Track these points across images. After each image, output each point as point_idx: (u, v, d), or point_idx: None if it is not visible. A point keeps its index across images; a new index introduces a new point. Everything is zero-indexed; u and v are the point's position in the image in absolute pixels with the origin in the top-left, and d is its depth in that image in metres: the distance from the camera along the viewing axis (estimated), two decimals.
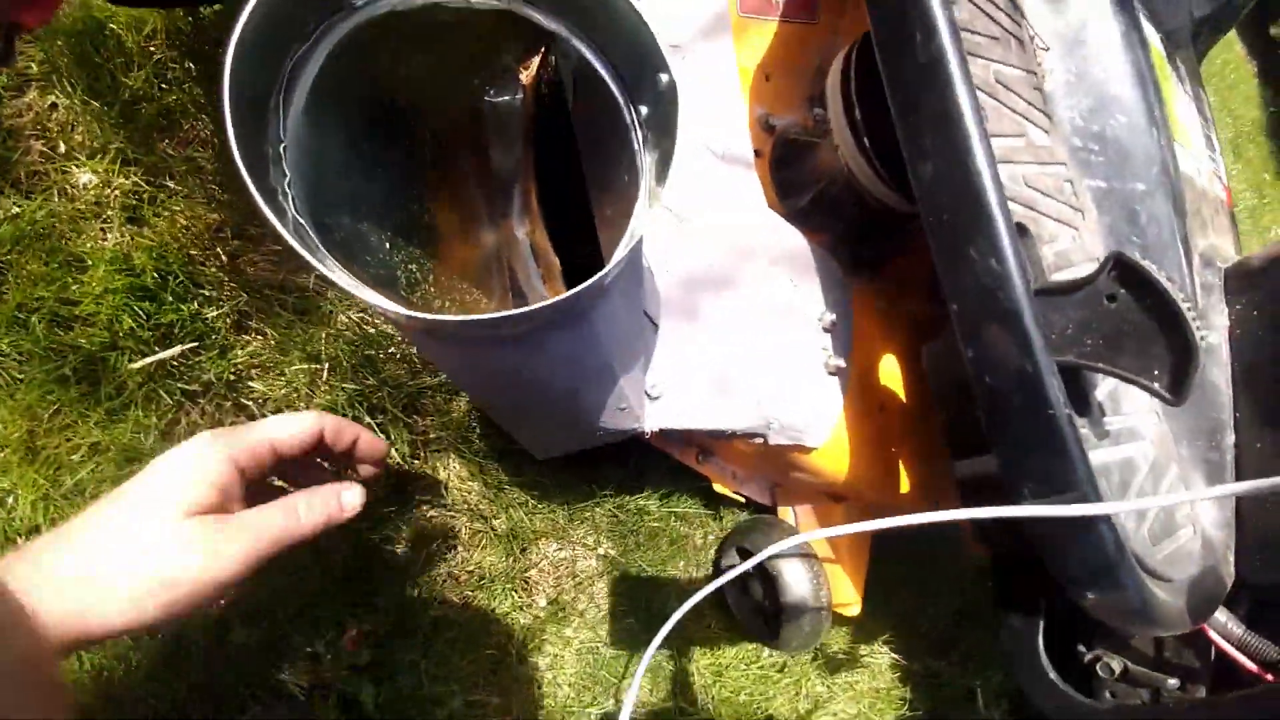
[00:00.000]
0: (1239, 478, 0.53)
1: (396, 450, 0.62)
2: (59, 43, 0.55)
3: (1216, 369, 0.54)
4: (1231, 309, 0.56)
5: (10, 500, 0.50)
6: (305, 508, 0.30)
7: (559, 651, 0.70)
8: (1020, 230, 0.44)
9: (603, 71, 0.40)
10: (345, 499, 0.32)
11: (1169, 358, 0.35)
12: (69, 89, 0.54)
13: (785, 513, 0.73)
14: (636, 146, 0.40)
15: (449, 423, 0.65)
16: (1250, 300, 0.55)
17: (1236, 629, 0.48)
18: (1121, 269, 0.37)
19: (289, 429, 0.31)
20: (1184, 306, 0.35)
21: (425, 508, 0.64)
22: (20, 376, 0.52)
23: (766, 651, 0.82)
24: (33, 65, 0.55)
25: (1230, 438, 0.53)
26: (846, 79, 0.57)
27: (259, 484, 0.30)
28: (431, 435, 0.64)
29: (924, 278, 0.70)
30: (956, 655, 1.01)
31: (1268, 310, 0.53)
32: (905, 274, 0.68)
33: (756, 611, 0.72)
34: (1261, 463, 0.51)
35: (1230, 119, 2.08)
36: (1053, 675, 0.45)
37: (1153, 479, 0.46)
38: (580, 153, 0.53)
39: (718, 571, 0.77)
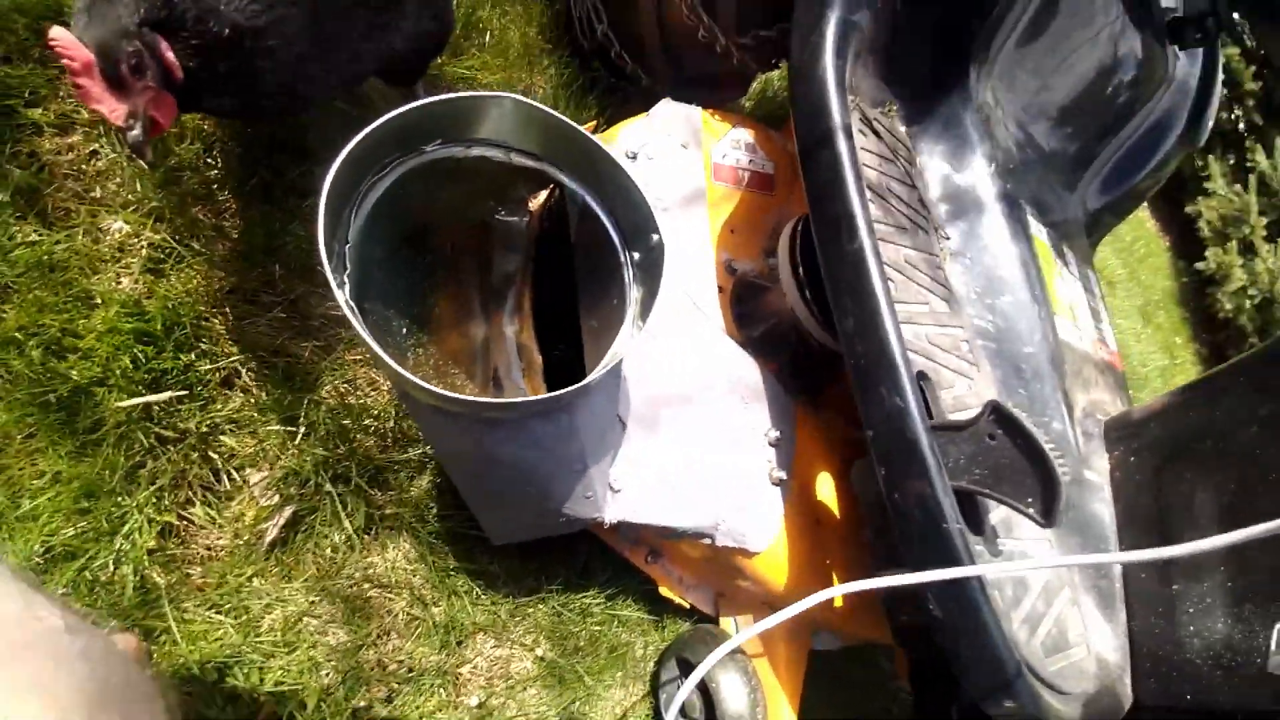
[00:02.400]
0: (1129, 605, 0.60)
1: (351, 523, 0.63)
2: None
3: (1100, 504, 0.63)
4: (1112, 454, 0.66)
5: None
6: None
7: None
8: (921, 376, 0.54)
9: (607, 222, 0.51)
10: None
11: (1039, 488, 0.44)
12: (116, 143, 0.61)
13: (727, 623, 0.74)
14: (627, 280, 0.49)
15: (407, 500, 0.66)
16: (1129, 448, 0.65)
17: None
18: (997, 414, 0.46)
19: None
20: (1047, 447, 0.44)
21: (367, 585, 0.63)
22: (2, 396, 0.52)
23: None
24: (82, 112, 0.61)
25: (1118, 567, 0.60)
26: (794, 244, 0.70)
27: None
28: (389, 511, 0.65)
29: (852, 405, 0.79)
30: None
31: (1144, 456, 0.64)
32: (838, 400, 0.78)
33: None
34: (1148, 591, 0.58)
35: (1140, 288, 2.41)
36: None
37: (1045, 598, 0.52)
38: (576, 272, 0.63)
39: (656, 685, 0.76)
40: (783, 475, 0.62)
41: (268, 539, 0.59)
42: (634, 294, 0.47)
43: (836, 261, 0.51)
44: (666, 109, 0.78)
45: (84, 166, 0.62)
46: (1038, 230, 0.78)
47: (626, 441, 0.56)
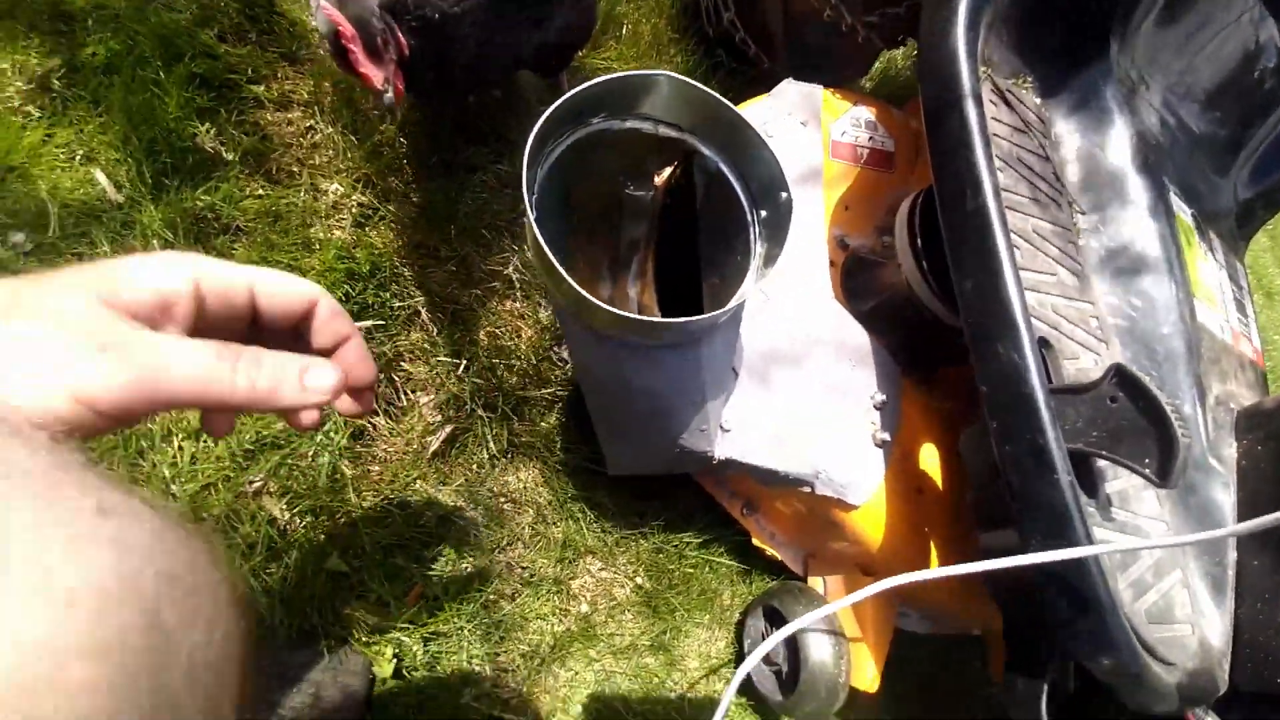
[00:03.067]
0: (1238, 592, 0.57)
1: (495, 445, 0.73)
2: (326, 84, 0.77)
3: (1223, 492, 0.60)
4: (1240, 442, 0.63)
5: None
6: (247, 364, 0.22)
7: (580, 669, 0.74)
8: (1042, 342, 0.55)
9: (737, 185, 0.56)
10: (310, 378, 0.24)
11: (1156, 449, 0.44)
12: (329, 121, 0.75)
13: (815, 582, 0.78)
14: (753, 237, 0.55)
15: (538, 431, 0.76)
16: (1257, 436, 0.62)
17: None
18: (1121, 377, 0.47)
19: (279, 284, 0.25)
20: (1169, 409, 0.44)
21: (503, 499, 0.74)
22: None
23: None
24: (300, 92, 0.76)
25: (1232, 555, 0.58)
26: (912, 216, 0.72)
27: (219, 335, 0.23)
28: (524, 439, 0.75)
29: (966, 387, 0.79)
30: None
31: (1272, 446, 0.60)
32: (952, 382, 0.78)
33: (773, 674, 0.75)
34: (1258, 579, 0.55)
35: None
36: None
37: (1155, 572, 0.52)
38: (700, 235, 0.69)
39: (741, 631, 0.81)
40: (886, 437, 0.64)
41: (430, 450, 0.71)
42: (759, 248, 0.52)
43: (959, 223, 0.53)
44: (788, 88, 0.82)
45: (302, 139, 0.77)
46: (1180, 209, 0.73)
47: (739, 389, 0.61)
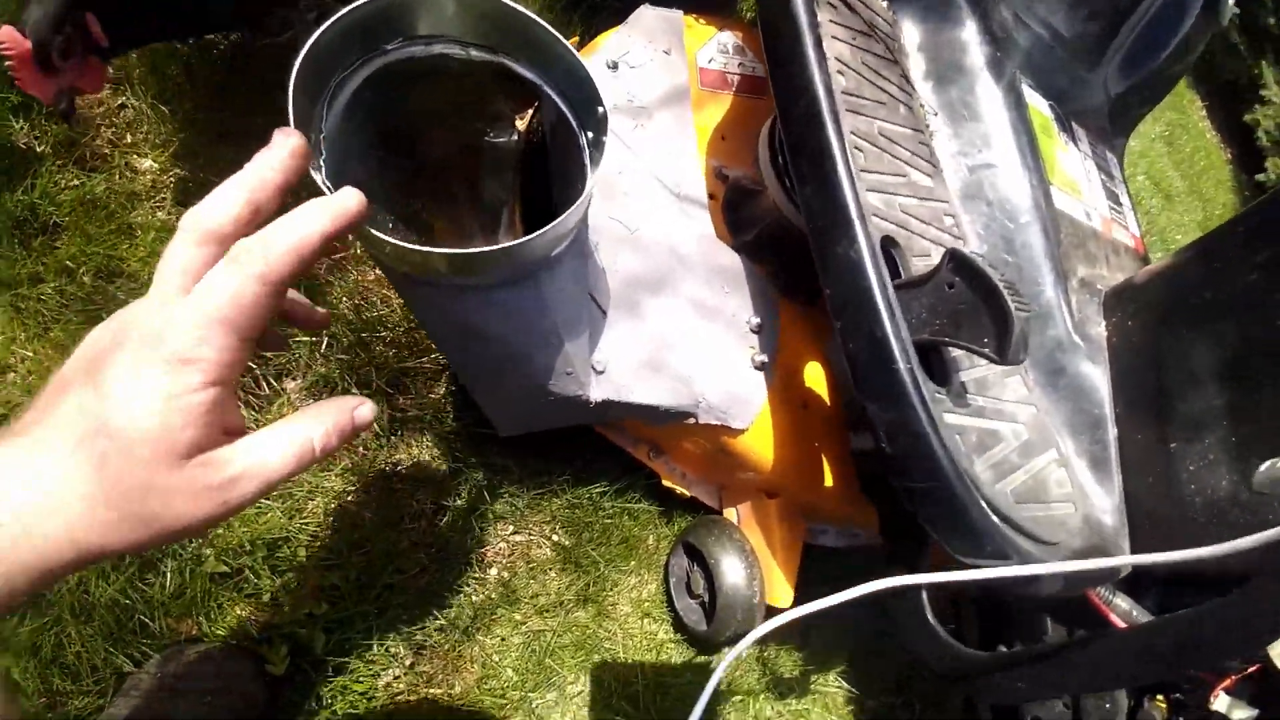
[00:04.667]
0: (1124, 468, 0.59)
1: (378, 424, 0.70)
2: (133, 55, 0.70)
3: (1095, 370, 0.62)
4: (1109, 320, 0.65)
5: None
6: (322, 437, 0.25)
7: (506, 634, 0.73)
8: (889, 240, 0.55)
9: (562, 105, 0.53)
10: (359, 414, 0.28)
11: (993, 326, 0.44)
12: (139, 93, 0.69)
13: (730, 513, 0.78)
14: (586, 160, 0.52)
15: (426, 403, 0.73)
16: (1126, 312, 0.64)
17: (1123, 602, 0.53)
18: (955, 261, 0.47)
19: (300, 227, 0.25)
20: (1001, 285, 0.44)
21: (395, 479, 0.71)
22: (59, 318, 0.62)
23: (714, 663, 0.84)
24: (109, 69, 0.69)
25: (1112, 432, 0.60)
26: (773, 134, 0.70)
27: None
28: (410, 413, 0.72)
29: None
30: (914, 696, 1.01)
31: (1142, 318, 0.62)
32: None
33: (698, 605, 0.76)
34: (1144, 453, 0.58)
35: (1200, 201, 2.25)
36: (935, 624, 0.50)
37: (1022, 453, 0.53)
38: (551, 177, 0.66)
39: (667, 571, 0.81)
40: (764, 359, 0.64)
41: None
42: (589, 171, 0.50)
43: (795, 130, 0.51)
44: (645, 14, 0.78)
45: (113, 119, 0.69)
46: (1036, 102, 0.74)
47: (609, 327, 0.60)
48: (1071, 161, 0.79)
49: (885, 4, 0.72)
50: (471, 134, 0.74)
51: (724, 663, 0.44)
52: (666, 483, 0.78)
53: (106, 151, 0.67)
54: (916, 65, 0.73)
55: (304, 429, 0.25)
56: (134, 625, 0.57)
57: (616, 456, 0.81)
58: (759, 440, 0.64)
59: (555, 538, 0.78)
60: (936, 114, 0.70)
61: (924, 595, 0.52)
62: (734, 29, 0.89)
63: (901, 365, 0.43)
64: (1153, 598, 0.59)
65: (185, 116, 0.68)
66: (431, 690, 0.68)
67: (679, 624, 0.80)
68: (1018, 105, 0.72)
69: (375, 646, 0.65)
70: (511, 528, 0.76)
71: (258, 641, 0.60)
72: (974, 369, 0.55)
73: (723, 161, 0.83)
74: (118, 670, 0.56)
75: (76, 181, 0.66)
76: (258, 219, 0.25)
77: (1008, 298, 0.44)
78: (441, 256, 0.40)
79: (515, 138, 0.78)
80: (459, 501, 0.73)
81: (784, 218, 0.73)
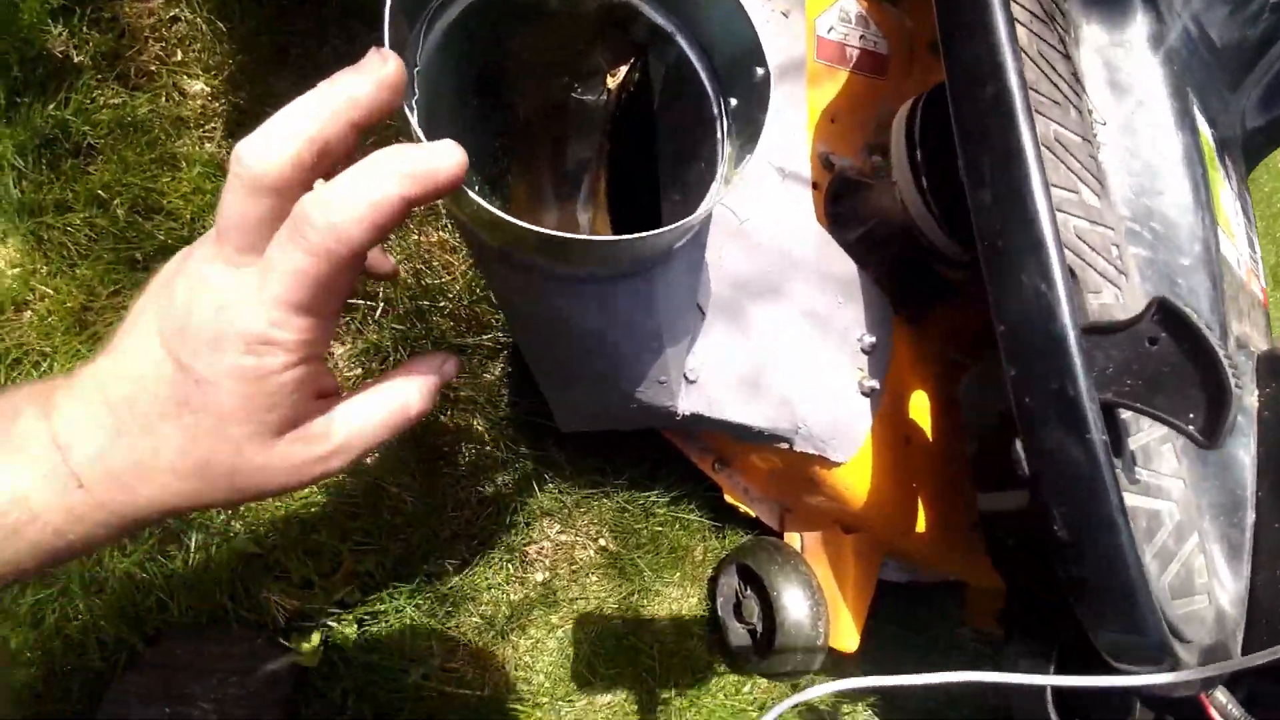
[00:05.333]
0: (1256, 557, 0.52)
1: None
2: None
3: (1241, 447, 0.54)
4: (1262, 390, 0.57)
5: (46, 364, 0.53)
6: (418, 400, 0.24)
7: (542, 636, 0.68)
8: (1069, 272, 0.46)
9: (699, 66, 0.44)
10: (446, 369, 0.26)
11: (1204, 400, 0.36)
12: (195, 6, 0.60)
13: (792, 538, 0.72)
14: (720, 135, 0.43)
15: (480, 385, 0.67)
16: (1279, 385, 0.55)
17: (1235, 710, 0.46)
18: (1164, 312, 0.38)
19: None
20: (1221, 352, 0.36)
21: (442, 463, 0.65)
22: (87, 253, 0.55)
23: (748, 686, 0.80)
24: None
25: (1250, 516, 0.53)
26: (912, 123, 0.61)
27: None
28: (463, 394, 0.66)
29: (961, 327, 0.71)
30: None
31: None
32: (943, 321, 0.70)
33: (747, 632, 0.71)
34: (1275, 543, 0.51)
35: (1275, 246, 2.12)
36: (1054, 716, 0.44)
37: (1176, 536, 0.46)
38: (659, 143, 0.57)
39: (714, 588, 0.76)
40: (875, 385, 0.56)
41: None
42: (727, 149, 0.41)
43: (975, 117, 0.42)
44: None
45: (165, 31, 0.61)
46: (1204, 127, 0.64)
47: (706, 331, 0.52)
48: (1228, 199, 0.69)
49: None
50: (559, 90, 0.65)
51: (778, 709, 0.38)
52: (729, 499, 0.72)
53: (153, 69, 0.59)
54: (1086, 64, 0.63)
55: (399, 393, 0.24)
56: (150, 603, 0.52)
57: (677, 462, 0.74)
58: (855, 474, 0.57)
59: (601, 541, 0.72)
60: (1105, 123, 0.60)
61: (1049, 693, 0.45)
62: None
63: (1096, 436, 0.36)
64: (1243, 688, 0.53)
65: (244, 37, 0.60)
66: (460, 690, 0.64)
67: (722, 645, 0.75)
68: (1190, 127, 0.62)
69: (408, 641, 0.61)
70: (558, 526, 0.70)
71: (288, 630, 0.55)
72: (1139, 434, 0.47)
73: (830, 147, 0.73)
74: (130, 648, 0.52)
75: (117, 99, 0.58)
76: (324, 163, 0.20)
77: (1227, 369, 0.36)
78: (562, 242, 0.32)
79: (605, 97, 0.68)
80: (506, 493, 0.67)
81: (904, 220, 0.64)
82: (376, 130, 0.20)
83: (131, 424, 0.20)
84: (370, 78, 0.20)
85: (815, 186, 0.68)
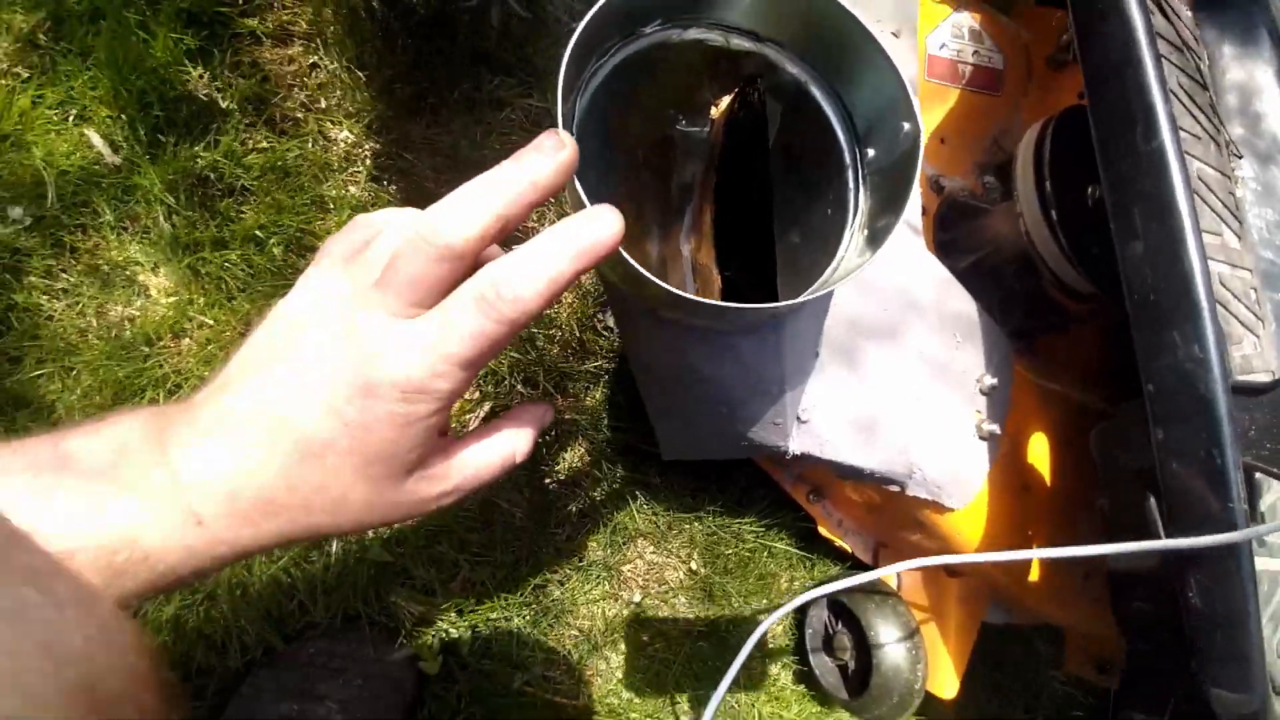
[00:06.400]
0: None
1: None
2: (327, 10, 0.65)
3: None
4: None
5: None
6: (524, 447, 0.26)
7: (633, 653, 0.71)
8: (1221, 331, 0.43)
9: (830, 113, 0.44)
10: (546, 419, 0.28)
11: None
12: (334, 55, 0.65)
13: (888, 579, 0.71)
14: (852, 186, 0.43)
15: (584, 409, 0.70)
16: None
17: None
18: None
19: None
20: None
21: (548, 482, 0.68)
22: (244, 287, 0.61)
23: (831, 719, 0.79)
24: (300, 23, 0.66)
25: None
26: (1040, 149, 0.58)
27: None
28: (568, 416, 0.69)
29: (1078, 361, 0.67)
30: None
31: None
32: (1063, 356, 0.66)
33: (837, 668, 0.70)
34: None
35: None
36: None
37: None
38: (774, 180, 0.57)
39: (803, 620, 0.76)
40: (994, 429, 0.54)
41: (469, 429, 0.65)
42: (862, 202, 0.41)
43: (1126, 166, 0.40)
44: None
45: (305, 79, 0.67)
46: None
47: (819, 371, 0.52)
48: None
49: (1189, 14, 0.57)
50: (666, 124, 0.67)
51: None
52: (823, 530, 0.71)
53: (299, 116, 0.65)
54: (1222, 93, 0.58)
55: (508, 442, 0.26)
56: (293, 606, 0.58)
57: (769, 487, 0.75)
58: (968, 521, 0.55)
59: (692, 564, 0.74)
60: (1242, 157, 0.55)
61: None
62: (972, 10, 0.75)
63: (1238, 506, 0.34)
64: None
65: (382, 84, 0.65)
66: (558, 699, 0.67)
67: (808, 677, 0.75)
68: None
69: (514, 649, 0.65)
70: (651, 547, 0.72)
71: (412, 635, 0.60)
72: (1267, 494, 0.44)
73: (939, 169, 0.71)
74: (269, 647, 0.57)
75: (266, 144, 0.65)
76: (502, 236, 0.22)
77: None
78: (712, 308, 0.34)
79: (708, 127, 0.70)
80: (603, 512, 0.70)
81: (1023, 249, 0.61)
82: None
83: (268, 463, 0.20)
84: (551, 161, 0.22)
85: (924, 211, 0.66)
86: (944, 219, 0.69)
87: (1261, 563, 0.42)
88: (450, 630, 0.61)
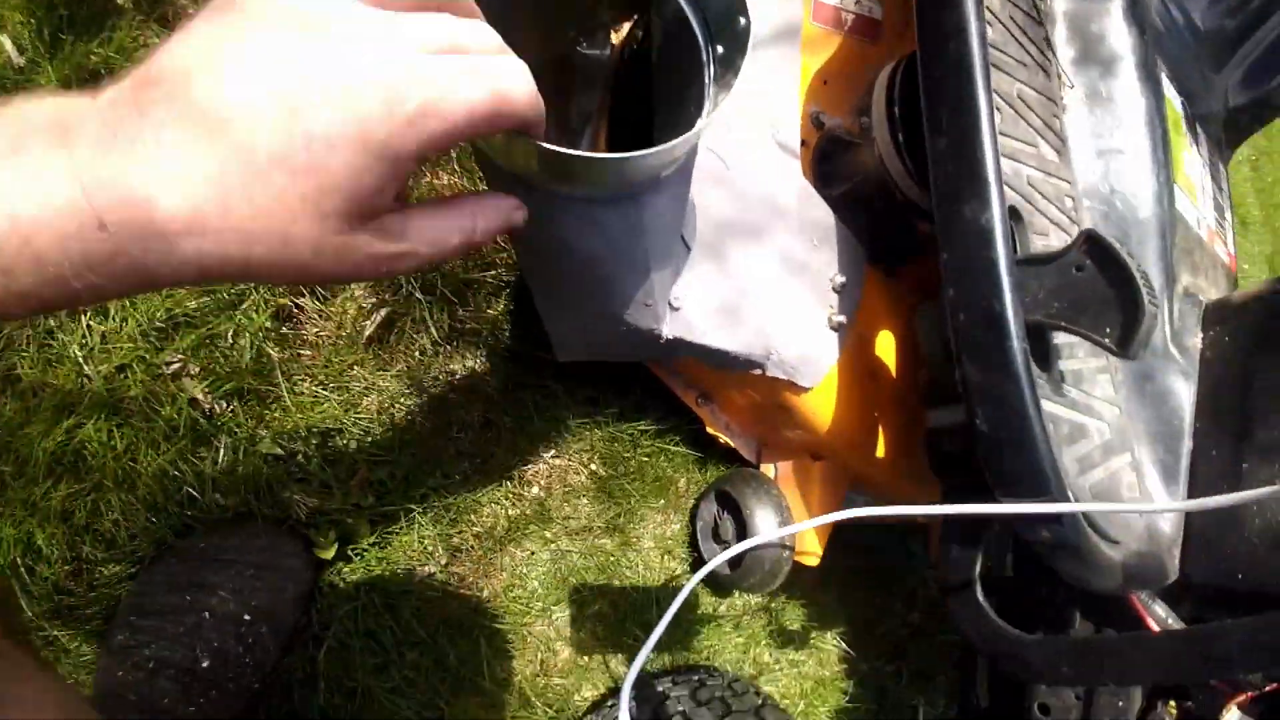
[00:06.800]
0: (1191, 482, 0.58)
1: (436, 330, 0.70)
2: None
3: (1180, 381, 0.60)
4: (1206, 334, 0.62)
5: None
6: (484, 220, 0.24)
7: (536, 549, 0.75)
8: (1012, 212, 0.51)
9: (693, 18, 0.49)
10: (514, 217, 0.27)
11: (1120, 317, 0.42)
12: None
13: (767, 469, 0.78)
14: (708, 79, 0.48)
15: (484, 318, 0.72)
16: (1224, 329, 0.61)
17: (1161, 610, 0.53)
18: (1091, 243, 0.43)
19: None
20: (1138, 275, 0.41)
21: (449, 387, 0.71)
22: None
23: (724, 605, 0.87)
24: None
25: (1187, 445, 0.58)
26: (892, 83, 0.65)
27: None
28: (469, 326, 0.71)
29: (928, 278, 0.76)
30: (905, 666, 1.05)
31: (1239, 338, 0.59)
32: (915, 273, 0.75)
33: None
34: (1213, 469, 0.57)
35: (1271, 234, 2.15)
36: (985, 605, 0.50)
37: (1103, 451, 0.52)
38: (654, 94, 0.61)
39: (694, 514, 0.83)
40: (842, 320, 0.62)
41: (365, 334, 0.67)
42: (711, 90, 0.46)
43: (938, 75, 0.47)
44: None
45: None
46: (1171, 94, 0.68)
47: (691, 266, 0.57)
48: (1193, 164, 0.73)
49: None
50: (564, 44, 0.69)
51: (695, 579, 0.45)
52: (710, 430, 0.78)
53: (191, 8, 0.63)
54: (1059, 32, 0.67)
55: (470, 214, 0.24)
56: (181, 497, 0.59)
57: (663, 398, 0.80)
58: (821, 401, 0.63)
59: (592, 467, 0.79)
60: (1073, 87, 0.64)
61: (976, 573, 0.52)
62: None
63: (1016, 344, 0.41)
64: (1186, 609, 0.60)
65: None
66: (462, 590, 0.71)
67: (699, 565, 0.82)
68: (1155, 94, 0.66)
69: (416, 543, 0.68)
70: (553, 451, 0.77)
71: (306, 524, 0.62)
72: (1073, 359, 0.53)
73: (821, 107, 0.77)
74: (160, 541, 0.58)
75: (155, 39, 0.63)
76: None
77: (1143, 289, 0.41)
78: (565, 158, 0.37)
79: (608, 51, 0.72)
80: (506, 419, 0.73)
81: (882, 176, 0.69)
82: None
83: (197, 169, 0.17)
84: None
85: (805, 144, 0.73)
86: (823, 152, 0.76)
87: (1058, 409, 0.51)
88: (347, 520, 0.63)
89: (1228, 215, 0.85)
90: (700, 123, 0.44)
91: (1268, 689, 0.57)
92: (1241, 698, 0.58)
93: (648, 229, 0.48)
